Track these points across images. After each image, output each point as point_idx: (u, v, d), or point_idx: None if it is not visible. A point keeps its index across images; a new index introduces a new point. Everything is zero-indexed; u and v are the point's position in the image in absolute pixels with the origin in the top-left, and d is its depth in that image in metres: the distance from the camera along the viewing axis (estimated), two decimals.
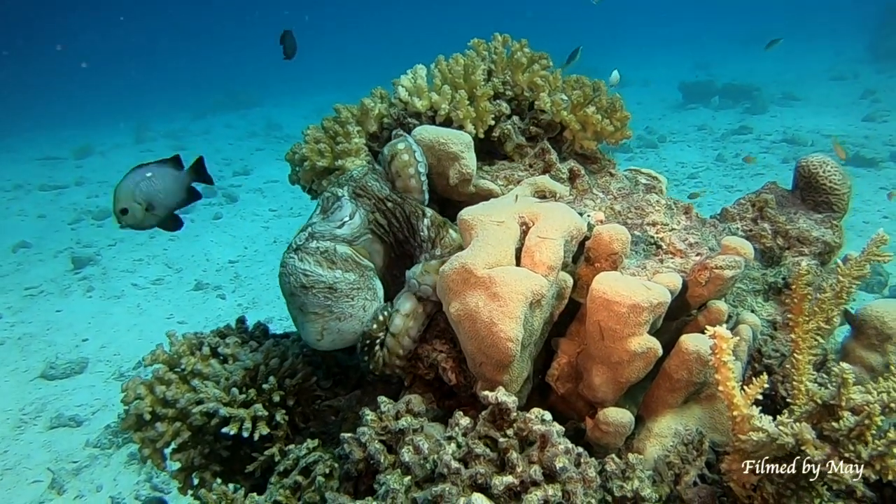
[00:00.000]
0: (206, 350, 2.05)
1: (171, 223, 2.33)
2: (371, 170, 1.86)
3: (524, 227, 1.60)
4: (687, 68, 19.76)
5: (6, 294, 7.84)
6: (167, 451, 1.95)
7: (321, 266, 1.65)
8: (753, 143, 11.48)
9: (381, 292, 1.77)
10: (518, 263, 1.53)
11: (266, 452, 1.84)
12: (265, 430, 1.82)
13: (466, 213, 1.62)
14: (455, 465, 1.29)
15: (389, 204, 1.82)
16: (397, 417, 1.47)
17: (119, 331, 6.84)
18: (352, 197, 1.79)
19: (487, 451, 1.33)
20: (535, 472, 1.24)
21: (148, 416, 1.89)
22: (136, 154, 15.67)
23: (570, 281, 1.62)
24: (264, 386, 1.86)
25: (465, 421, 1.40)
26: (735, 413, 1.40)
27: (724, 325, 1.91)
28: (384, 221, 1.83)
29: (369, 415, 1.48)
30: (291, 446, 1.76)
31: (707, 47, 23.46)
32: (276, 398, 1.86)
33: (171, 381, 1.94)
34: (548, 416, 1.36)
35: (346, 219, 1.74)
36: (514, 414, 1.36)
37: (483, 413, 1.39)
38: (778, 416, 1.39)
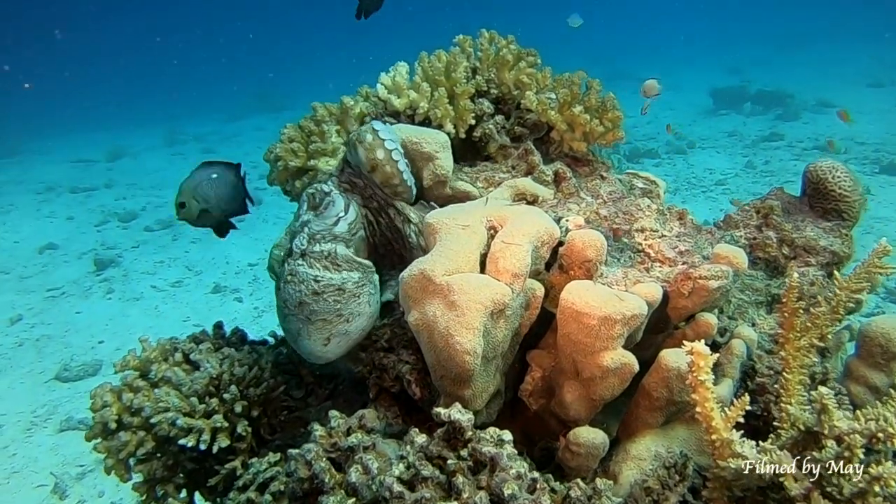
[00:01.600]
0: (178, 356, 1.97)
1: (222, 228, 2.32)
2: (347, 167, 1.77)
3: (492, 231, 1.49)
4: (719, 73, 19.36)
5: (29, 295, 7.92)
6: (132, 461, 1.88)
7: (329, 270, 1.56)
8: (785, 150, 11.15)
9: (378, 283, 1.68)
10: (483, 270, 1.43)
11: (227, 466, 1.76)
12: (225, 443, 1.73)
13: (432, 217, 1.51)
14: (398, 488, 1.19)
15: (374, 204, 1.73)
16: (348, 433, 1.38)
17: (135, 333, 6.78)
18: (341, 190, 1.69)
19: (437, 472, 1.22)
20: (482, 498, 1.13)
21: (114, 425, 1.82)
22: (166, 157, 15.84)
23: (541, 289, 1.50)
24: (225, 396, 1.77)
25: (420, 439, 1.30)
26: (714, 437, 1.27)
27: (719, 340, 1.80)
28: (373, 219, 1.74)
29: (318, 430, 1.38)
30: (254, 460, 1.67)
31: (740, 52, 22.98)
32: (239, 409, 1.77)
33: (140, 388, 1.87)
34: (506, 435, 1.25)
35: (341, 213, 1.62)
36: (470, 433, 1.26)
37: (438, 431, 1.29)
38: (761, 443, 1.27)
